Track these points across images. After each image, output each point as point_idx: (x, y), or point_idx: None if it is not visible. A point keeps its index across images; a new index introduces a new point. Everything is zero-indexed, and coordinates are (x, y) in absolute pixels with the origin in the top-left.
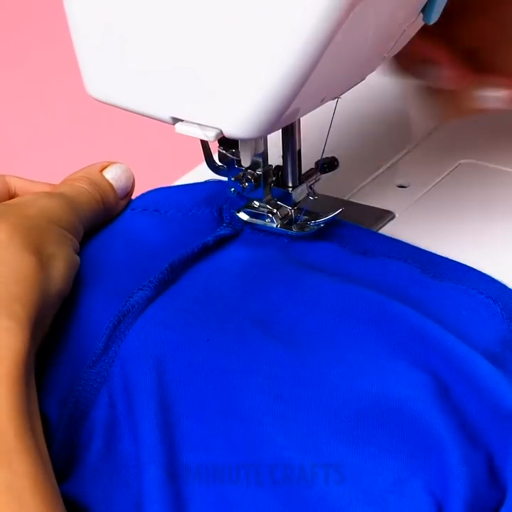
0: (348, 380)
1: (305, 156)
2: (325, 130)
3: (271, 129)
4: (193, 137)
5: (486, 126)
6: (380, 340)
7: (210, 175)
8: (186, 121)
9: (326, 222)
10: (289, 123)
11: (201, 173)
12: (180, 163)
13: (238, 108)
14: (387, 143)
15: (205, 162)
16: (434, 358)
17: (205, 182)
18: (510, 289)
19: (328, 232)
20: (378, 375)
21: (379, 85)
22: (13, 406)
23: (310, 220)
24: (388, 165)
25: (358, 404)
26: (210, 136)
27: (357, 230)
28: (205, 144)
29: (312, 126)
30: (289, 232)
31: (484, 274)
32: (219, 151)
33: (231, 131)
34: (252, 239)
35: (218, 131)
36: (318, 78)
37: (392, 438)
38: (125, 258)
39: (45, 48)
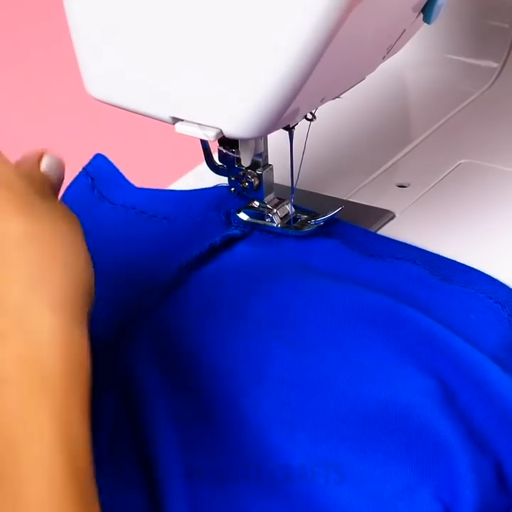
0: (356, 385)
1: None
2: (325, 130)
3: (271, 129)
4: (193, 137)
5: (486, 126)
6: (388, 344)
7: (210, 175)
8: (186, 121)
9: (325, 221)
10: (289, 123)
11: (201, 173)
12: (180, 163)
13: (238, 108)
14: (387, 143)
15: (205, 162)
16: (442, 363)
17: (212, 187)
18: None
19: (334, 234)
20: (386, 381)
21: (379, 85)
22: None
23: (310, 219)
24: (388, 165)
25: (366, 411)
26: (210, 135)
27: (363, 232)
28: (205, 144)
29: (313, 127)
30: (289, 231)
31: (493, 278)
32: (219, 151)
33: (231, 131)
34: (259, 239)
35: (218, 131)
36: (318, 78)
37: (400, 445)
38: (135, 261)
39: (45, 48)
